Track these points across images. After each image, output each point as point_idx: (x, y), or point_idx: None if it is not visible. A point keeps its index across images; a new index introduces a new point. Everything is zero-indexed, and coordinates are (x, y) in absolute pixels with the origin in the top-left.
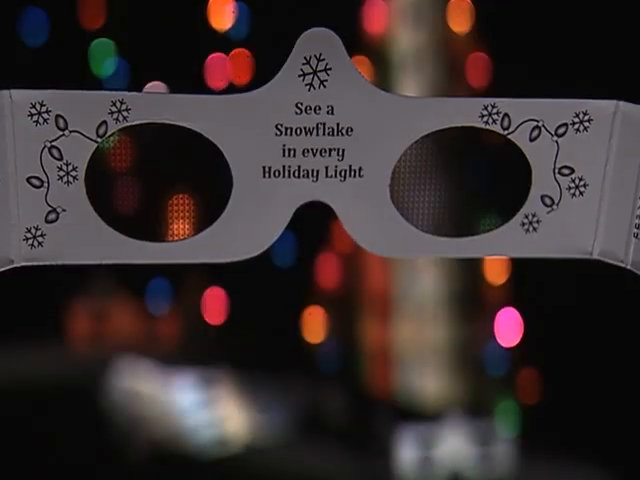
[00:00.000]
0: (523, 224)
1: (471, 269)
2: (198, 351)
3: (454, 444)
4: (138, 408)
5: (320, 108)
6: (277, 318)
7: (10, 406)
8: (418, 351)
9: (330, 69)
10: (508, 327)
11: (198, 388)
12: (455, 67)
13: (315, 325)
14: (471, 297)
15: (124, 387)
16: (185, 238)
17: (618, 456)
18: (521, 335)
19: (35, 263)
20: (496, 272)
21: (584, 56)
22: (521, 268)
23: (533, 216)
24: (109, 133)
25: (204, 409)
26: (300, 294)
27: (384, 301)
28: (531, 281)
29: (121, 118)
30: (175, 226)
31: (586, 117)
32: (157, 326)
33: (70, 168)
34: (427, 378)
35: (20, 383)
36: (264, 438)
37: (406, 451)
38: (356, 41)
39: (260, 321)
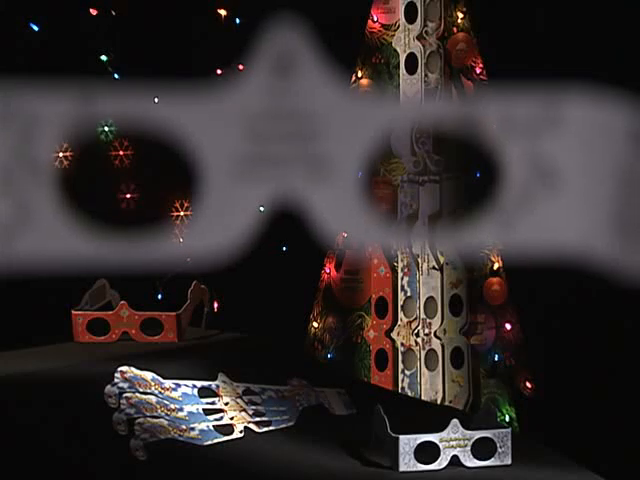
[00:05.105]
0: (500, 220)
1: (470, 268)
2: (199, 350)
3: (454, 442)
4: (140, 395)
5: (290, 99)
6: (280, 310)
7: (11, 405)
8: (418, 349)
9: (299, 60)
10: (507, 325)
11: (199, 378)
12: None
13: (319, 322)
14: (470, 296)
15: (124, 376)
16: (159, 234)
17: (615, 451)
18: (520, 333)
19: (8, 260)
20: (495, 271)
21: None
22: (519, 268)
23: (510, 213)
24: (80, 126)
25: (205, 396)
26: (304, 291)
27: (385, 299)
28: (530, 281)
29: (89, 108)
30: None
31: (560, 116)
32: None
33: (40, 164)
34: (426, 376)
35: (21, 383)
36: (264, 426)
37: (405, 448)
38: (358, 42)
39: (262, 317)
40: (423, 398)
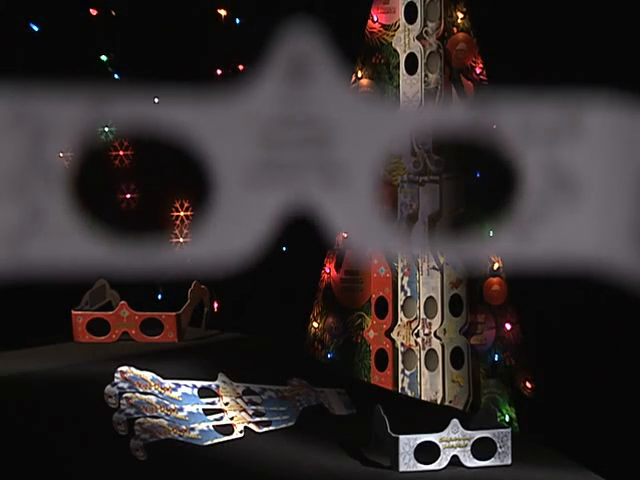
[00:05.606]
0: (516, 230)
1: (470, 268)
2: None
3: (454, 442)
4: (139, 396)
5: (304, 105)
6: (280, 310)
7: (11, 405)
8: (418, 349)
9: (312, 66)
10: (507, 325)
11: (199, 378)
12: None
13: (319, 322)
14: (470, 296)
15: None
16: (171, 240)
17: (615, 451)
18: (520, 333)
19: (20, 264)
20: (495, 271)
21: (579, 53)
22: (520, 269)
23: (526, 222)
24: (91, 129)
25: (205, 396)
26: (304, 291)
27: (385, 299)
28: (530, 281)
29: (101, 111)
30: (177, 229)
31: (580, 124)
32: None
33: (54, 167)
34: (426, 376)
35: (21, 383)
36: (264, 426)
37: (405, 448)
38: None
39: (262, 317)
40: (423, 398)
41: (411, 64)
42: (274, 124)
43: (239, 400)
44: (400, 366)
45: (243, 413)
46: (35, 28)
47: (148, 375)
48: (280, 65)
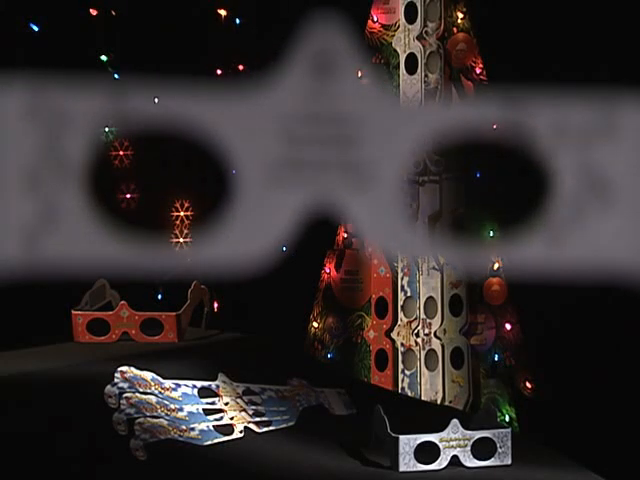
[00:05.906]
0: (545, 234)
1: (469, 269)
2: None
3: (454, 442)
4: (139, 396)
5: (327, 104)
6: (280, 310)
7: (11, 405)
8: (418, 349)
9: (336, 64)
10: (507, 325)
11: (199, 378)
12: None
13: (319, 322)
14: (470, 296)
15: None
16: (189, 240)
17: (615, 451)
18: (520, 333)
19: (33, 262)
20: (495, 271)
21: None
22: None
23: (557, 227)
24: (109, 126)
25: (205, 396)
26: (304, 291)
27: (385, 299)
28: (531, 282)
29: (120, 108)
30: (177, 229)
31: (614, 125)
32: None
33: (70, 165)
34: (426, 376)
35: (21, 383)
36: (264, 426)
37: (405, 448)
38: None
39: (262, 317)
40: (423, 398)
41: (411, 64)
42: (296, 121)
43: (239, 400)
44: (400, 366)
45: (243, 413)
46: (35, 28)
47: (148, 375)
48: (303, 62)
